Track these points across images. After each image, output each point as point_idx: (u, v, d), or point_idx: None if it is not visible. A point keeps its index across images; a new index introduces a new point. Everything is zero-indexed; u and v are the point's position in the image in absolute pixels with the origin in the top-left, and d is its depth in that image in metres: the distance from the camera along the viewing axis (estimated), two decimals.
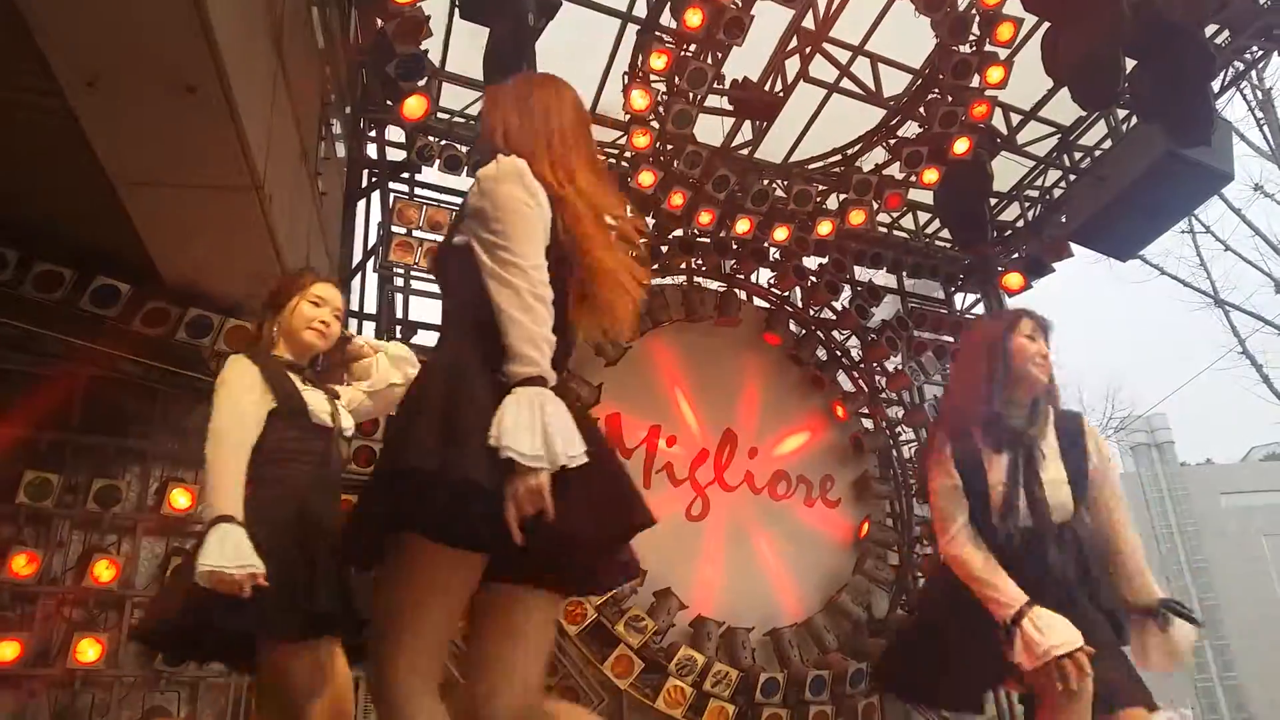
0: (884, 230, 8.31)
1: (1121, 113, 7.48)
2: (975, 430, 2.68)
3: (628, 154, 6.71)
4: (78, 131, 3.42)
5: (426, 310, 6.32)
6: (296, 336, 2.63)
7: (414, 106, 5.41)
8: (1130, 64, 5.78)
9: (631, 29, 6.30)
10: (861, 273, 8.00)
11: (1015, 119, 7.55)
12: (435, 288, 6.20)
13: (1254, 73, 10.62)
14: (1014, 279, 7.93)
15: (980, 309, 8.62)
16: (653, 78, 5.89)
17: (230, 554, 2.10)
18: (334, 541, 2.27)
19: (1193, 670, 24.22)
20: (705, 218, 6.80)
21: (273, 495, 2.33)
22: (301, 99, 4.47)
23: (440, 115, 6.66)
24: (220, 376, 2.45)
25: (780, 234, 7.10)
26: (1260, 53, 7.35)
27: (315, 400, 2.54)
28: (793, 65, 6.51)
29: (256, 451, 2.35)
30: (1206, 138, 6.05)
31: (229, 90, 3.24)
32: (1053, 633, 2.35)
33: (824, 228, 7.10)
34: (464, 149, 6.48)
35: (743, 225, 6.94)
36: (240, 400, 2.38)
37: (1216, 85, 6.87)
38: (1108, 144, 7.68)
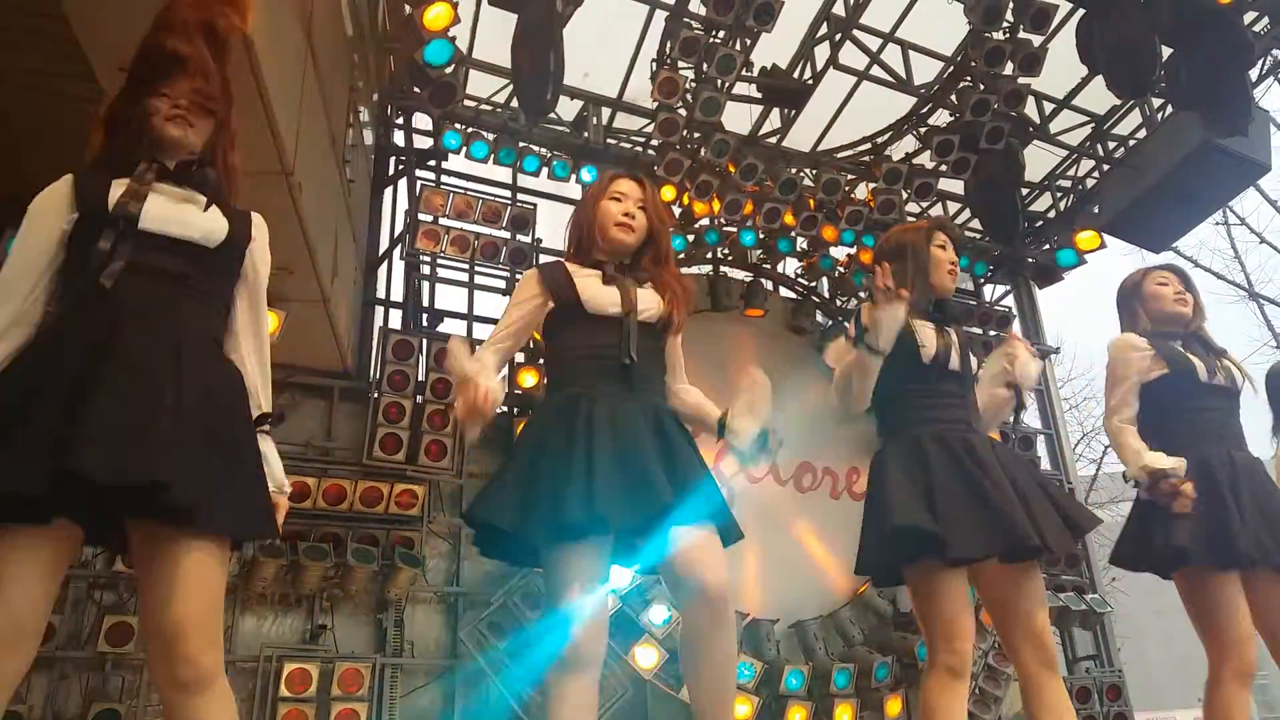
0: (913, 220, 8.23)
1: (1157, 101, 7.36)
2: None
3: (655, 141, 6.67)
4: None
5: (453, 298, 6.32)
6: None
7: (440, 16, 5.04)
8: (1166, 52, 5.68)
9: (660, 14, 6.25)
10: None
11: (1048, 107, 7.45)
12: (462, 275, 6.27)
13: None
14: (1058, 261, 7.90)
15: (1010, 300, 8.54)
16: (681, 64, 5.84)
17: None
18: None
19: None
20: (732, 207, 6.74)
21: None
22: (330, 86, 4.47)
23: (467, 103, 6.65)
24: None
25: (808, 224, 7.04)
26: None
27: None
28: (822, 52, 6.46)
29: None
30: (1243, 128, 5.93)
31: (259, 76, 3.24)
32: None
33: (853, 218, 7.04)
34: (491, 136, 6.48)
35: (770, 214, 6.87)
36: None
37: (1254, 74, 6.75)
38: (1142, 133, 7.56)
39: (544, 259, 6.46)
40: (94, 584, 4.69)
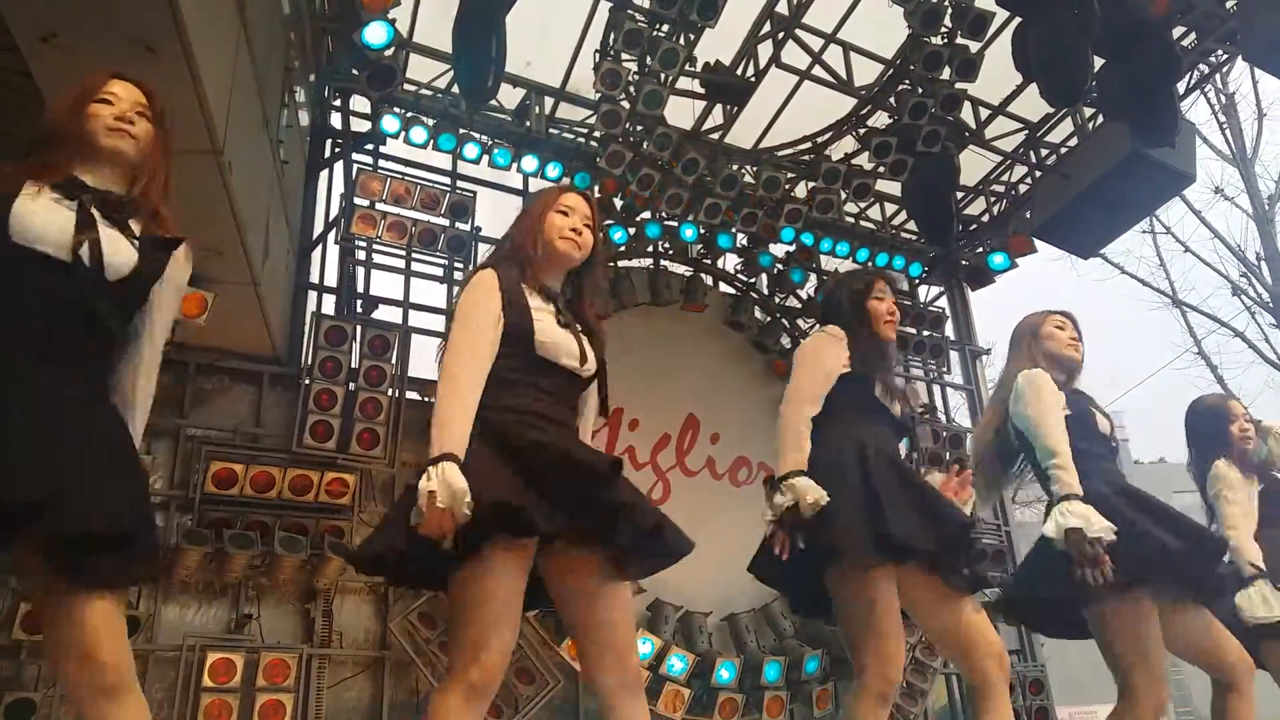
0: (851, 220, 8.33)
1: (1088, 111, 7.54)
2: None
3: (597, 133, 6.65)
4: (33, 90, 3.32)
5: (388, 284, 6.24)
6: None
7: (377, 33, 5.23)
8: (1099, 63, 5.82)
9: (604, 5, 6.22)
10: (828, 262, 8.00)
11: (984, 113, 7.58)
12: (398, 262, 6.19)
13: (1218, 76, 10.75)
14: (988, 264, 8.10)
15: (944, 302, 8.69)
16: (624, 56, 5.83)
17: None
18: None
19: None
20: (673, 201, 6.75)
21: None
22: (265, 65, 4.37)
23: (408, 87, 6.56)
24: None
25: (748, 221, 7.09)
26: (1225, 56, 7.44)
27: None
28: (765, 50, 6.49)
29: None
30: (1170, 139, 6.10)
31: (190, 52, 3.16)
32: None
33: (792, 216, 7.11)
34: (431, 121, 6.40)
35: (711, 210, 6.89)
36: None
37: (1182, 87, 6.94)
38: (1074, 142, 7.74)
39: (482, 248, 6.40)
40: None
